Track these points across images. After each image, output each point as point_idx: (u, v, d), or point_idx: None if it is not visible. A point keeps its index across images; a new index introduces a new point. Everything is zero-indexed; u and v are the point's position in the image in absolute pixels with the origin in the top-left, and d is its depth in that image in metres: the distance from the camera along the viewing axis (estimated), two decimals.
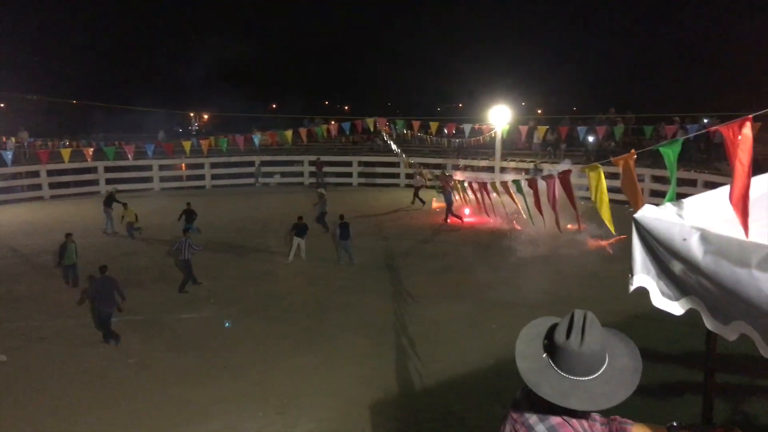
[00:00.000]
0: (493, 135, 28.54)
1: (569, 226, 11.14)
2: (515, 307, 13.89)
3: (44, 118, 40.12)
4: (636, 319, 11.53)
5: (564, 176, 8.39)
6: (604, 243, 18.00)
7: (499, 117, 27.99)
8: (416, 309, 13.87)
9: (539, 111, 56.52)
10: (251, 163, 32.39)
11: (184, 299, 14.54)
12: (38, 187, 28.21)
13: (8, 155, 25.60)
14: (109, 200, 21.69)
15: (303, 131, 29.87)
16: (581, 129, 27.03)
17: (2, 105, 44.31)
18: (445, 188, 23.26)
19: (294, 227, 17.96)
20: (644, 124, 26.39)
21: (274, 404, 9.74)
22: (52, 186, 28.51)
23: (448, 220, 22.71)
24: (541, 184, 9.45)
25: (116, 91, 45.00)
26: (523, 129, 28.60)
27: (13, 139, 28.53)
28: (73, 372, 10.85)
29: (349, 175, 32.53)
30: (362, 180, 32.31)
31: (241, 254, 18.38)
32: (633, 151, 5.41)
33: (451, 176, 26.16)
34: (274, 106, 67.05)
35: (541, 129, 28.77)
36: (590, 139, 28.18)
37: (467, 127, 29.26)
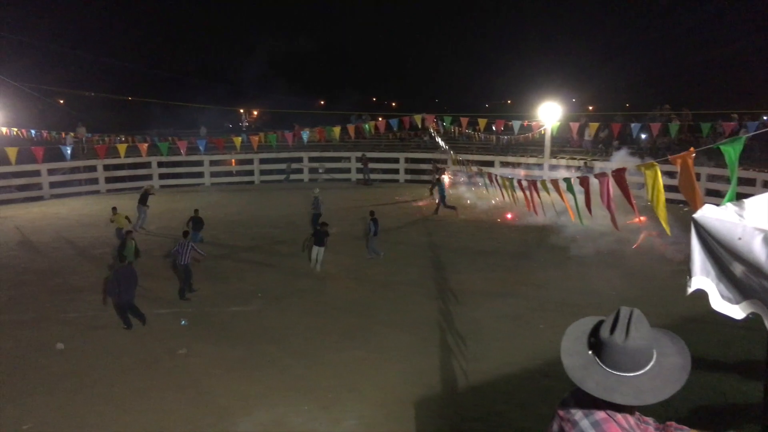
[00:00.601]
0: (542, 132, 28.11)
1: (629, 221, 10.84)
2: (563, 307, 13.66)
3: (102, 114, 41.40)
4: (689, 321, 11.20)
5: (619, 174, 8.18)
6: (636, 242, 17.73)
7: (549, 113, 27.56)
8: (461, 306, 13.77)
9: (590, 107, 55.46)
10: (299, 159, 32.72)
11: (232, 293, 14.74)
12: (95, 181, 29.12)
13: (67, 150, 26.47)
14: (144, 197, 21.40)
15: (351, 128, 30.00)
16: (635, 126, 26.33)
17: (61, 101, 45.91)
18: (440, 180, 24.21)
19: (314, 234, 16.97)
20: (701, 121, 25.51)
21: (320, 398, 9.80)
22: (108, 180, 29.40)
23: (439, 212, 23.29)
24: (594, 182, 9.24)
25: (171, 88, 46.11)
26: (574, 126, 28.06)
27: (72, 135, 29.49)
28: (126, 361, 11.16)
29: (396, 171, 32.52)
30: (409, 177, 32.26)
31: (289, 249, 18.55)
32: (692, 149, 5.23)
33: (444, 169, 26.27)
34: (322, 102, 67.67)
35: (593, 126, 28.17)
36: (643, 136, 27.45)
37: (516, 124, 28.89)
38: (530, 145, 30.65)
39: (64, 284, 15.52)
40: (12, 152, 24.28)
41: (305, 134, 30.06)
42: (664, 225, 6.38)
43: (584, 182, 9.72)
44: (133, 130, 36.52)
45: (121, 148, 28.01)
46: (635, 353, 2.25)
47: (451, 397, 9.88)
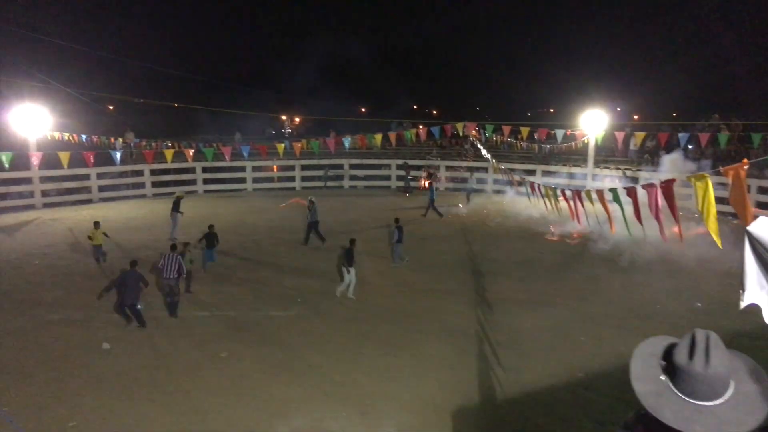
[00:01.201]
0: (586, 141, 27.70)
1: (674, 229, 10.54)
2: (606, 320, 13.42)
3: (149, 120, 42.45)
4: (740, 336, 10.85)
5: (667, 185, 8.02)
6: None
7: (593, 122, 27.15)
8: (501, 316, 13.63)
9: (635, 117, 54.42)
10: (339, 166, 32.94)
11: (272, 298, 14.87)
12: (142, 185, 29.83)
13: (116, 155, 27.20)
14: (177, 204, 20.76)
15: (392, 135, 30.07)
16: (682, 136, 25.68)
17: (111, 107, 47.25)
18: (431, 184, 24.95)
19: (345, 253, 15.21)
20: (752, 131, 24.76)
21: (357, 405, 9.82)
22: (154, 185, 30.09)
23: (426, 215, 24.29)
24: (641, 193, 9.09)
25: (217, 94, 46.99)
26: (619, 135, 27.55)
27: (121, 140, 30.31)
28: (169, 363, 11.37)
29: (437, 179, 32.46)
30: (449, 185, 32.15)
31: (328, 255, 18.66)
32: (745, 160, 5.09)
33: (435, 173, 26.33)
34: (363, 109, 68.05)
35: (639, 135, 27.62)
36: (690, 147, 26.78)
37: (559, 133, 28.53)
38: (573, 154, 30.23)
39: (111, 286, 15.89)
40: (64, 157, 25.06)
41: (347, 141, 30.24)
42: (715, 237, 6.21)
43: (631, 193, 9.56)
44: (179, 135, 37.35)
45: (168, 153, 28.65)
46: (715, 381, 2.12)
47: (489, 408, 9.79)
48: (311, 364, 11.25)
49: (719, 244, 6.41)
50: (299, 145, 29.74)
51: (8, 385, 10.38)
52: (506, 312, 13.90)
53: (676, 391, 2.18)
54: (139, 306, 12.91)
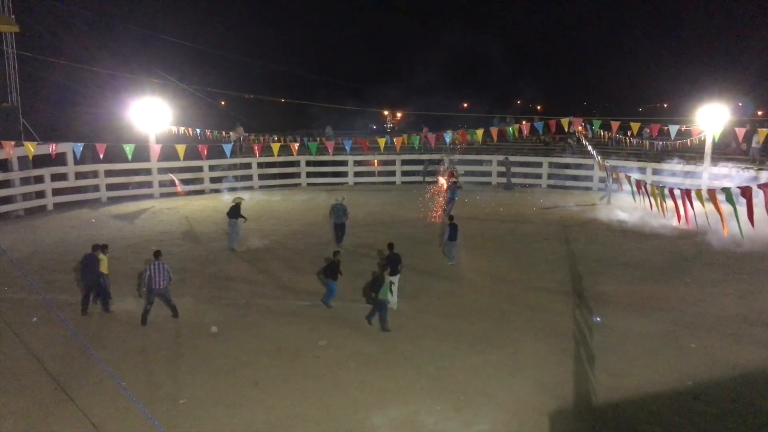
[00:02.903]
0: (703, 138, 26.08)
1: None
2: (719, 326, 12.66)
3: (259, 115, 44.21)
4: None
5: None
6: None
7: (711, 118, 25.52)
8: (604, 318, 13.14)
9: (759, 113, 50.64)
10: (438, 161, 32.85)
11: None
12: (249, 177, 31.11)
13: (228, 148, 28.51)
14: (235, 212, 18.96)
15: (494, 131, 29.59)
16: None
17: (223, 103, 49.54)
18: (448, 185, 23.25)
19: (386, 261, 14.10)
20: None
21: (452, 400, 9.80)
22: (260, 177, 31.29)
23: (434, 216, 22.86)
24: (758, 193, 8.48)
25: (326, 91, 48.20)
26: (740, 131, 25.72)
27: (231, 134, 31.73)
28: (271, 348, 11.83)
29: (539, 176, 31.66)
30: (551, 182, 31.27)
31: (427, 250, 18.69)
32: None
33: (454, 172, 24.64)
34: (465, 105, 67.54)
35: (762, 132, 25.70)
36: None
37: (673, 129, 26.99)
38: (687, 151, 28.55)
39: (220, 272, 16.73)
40: (181, 149, 26.58)
41: (448, 136, 30.09)
42: None
43: (746, 192, 8.94)
44: (285, 130, 38.66)
45: (275, 147, 29.75)
46: None
47: (588, 412, 9.49)
48: (407, 357, 11.34)
49: None
50: (400, 140, 29.91)
51: (124, 362, 11.18)
52: (610, 314, 13.39)
53: None
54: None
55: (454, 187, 23.12)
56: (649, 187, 15.06)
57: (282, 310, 13.84)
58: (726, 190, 11.03)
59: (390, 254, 14.18)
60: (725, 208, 11.47)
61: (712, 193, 11.37)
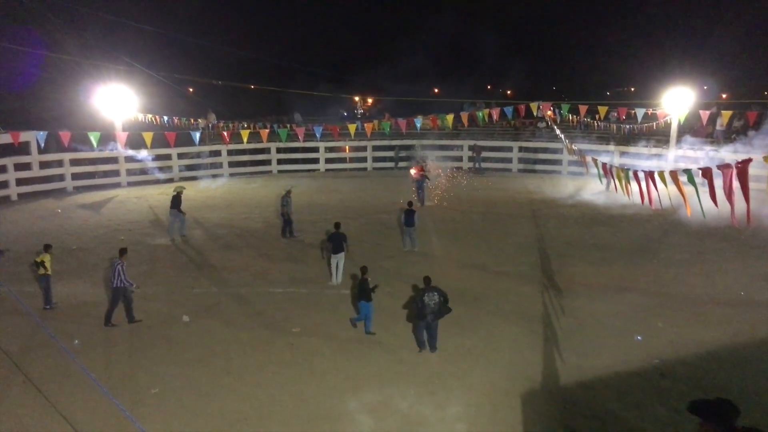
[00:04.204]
0: (669, 121, 26.49)
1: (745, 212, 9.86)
2: (685, 306, 12.96)
3: (230, 102, 43.52)
4: None
5: (743, 166, 7.61)
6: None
7: (676, 101, 25.92)
8: (574, 301, 13.34)
9: (724, 96, 51.51)
10: (410, 147, 32.83)
11: (343, 275, 15.01)
12: (219, 165, 30.74)
13: (196, 135, 28.08)
14: (176, 201, 18.57)
15: (464, 115, 29.63)
16: None
17: (191, 89, 48.71)
18: (422, 176, 22.63)
19: (329, 239, 14.67)
20: None
21: (426, 384, 9.88)
22: (231, 165, 30.94)
23: (424, 204, 22.30)
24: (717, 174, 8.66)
25: (300, 78, 47.57)
26: (704, 114, 26.17)
27: (201, 121, 31.27)
28: (244, 337, 11.76)
29: (509, 161, 31.85)
30: (522, 166, 31.50)
31: (399, 236, 18.74)
32: None
33: (425, 164, 24.59)
34: (436, 90, 67.47)
35: (726, 114, 26.16)
36: None
37: (640, 112, 27.32)
38: (654, 135, 28.96)
39: (191, 262, 16.56)
40: (148, 137, 26.11)
41: (418, 122, 30.06)
42: None
43: (707, 173, 9.12)
44: (255, 117, 38.21)
45: (244, 134, 29.38)
46: None
47: (559, 392, 9.65)
48: (381, 342, 11.39)
49: None
50: (370, 125, 29.81)
51: (94, 353, 11.03)
52: (580, 296, 13.60)
53: None
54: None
55: (422, 178, 22.79)
56: (614, 170, 15.24)
57: (254, 299, 13.76)
58: (687, 172, 11.21)
59: (333, 233, 14.49)
60: (688, 189, 11.66)
61: (674, 174, 11.54)
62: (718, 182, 8.88)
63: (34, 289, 14.08)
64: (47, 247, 13.45)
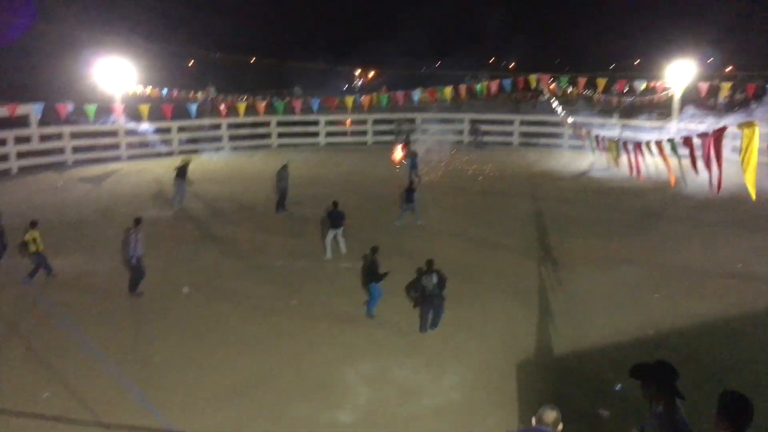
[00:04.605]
0: (670, 95, 26.32)
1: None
2: (682, 278, 13.05)
3: (231, 75, 43.28)
4: None
5: (718, 134, 7.64)
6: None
7: (679, 74, 25.73)
8: (572, 274, 13.41)
9: (728, 68, 51.08)
10: (411, 120, 32.67)
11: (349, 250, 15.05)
12: (219, 138, 30.60)
13: (192, 108, 27.85)
14: (182, 171, 18.98)
15: (462, 88, 29.38)
16: None
17: (191, 63, 48.50)
18: (410, 154, 21.40)
19: (328, 217, 15.00)
20: None
21: (422, 355, 10.00)
22: (231, 138, 30.77)
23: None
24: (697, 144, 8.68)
25: (302, 52, 47.11)
26: (703, 86, 25.93)
27: (200, 94, 31.12)
28: (243, 309, 11.87)
29: (510, 134, 31.71)
30: (522, 140, 31.36)
31: (398, 210, 18.75)
32: None
33: (409, 142, 24.04)
34: (438, 63, 66.95)
35: (725, 86, 25.95)
36: None
37: (639, 84, 27.08)
38: (657, 108, 28.82)
39: (190, 235, 16.63)
40: (144, 109, 26.00)
41: (416, 95, 29.80)
42: (751, 189, 5.98)
43: (688, 143, 9.15)
44: (257, 91, 37.99)
45: (241, 107, 29.13)
46: None
47: (555, 363, 9.77)
48: (378, 315, 11.48)
49: (753, 197, 6.20)
50: (367, 98, 29.59)
51: (96, 325, 11.14)
52: (577, 270, 13.67)
53: None
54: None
55: (411, 157, 21.78)
56: (606, 142, 15.18)
57: (253, 271, 13.86)
58: (671, 141, 11.20)
59: (332, 211, 14.69)
60: (674, 160, 11.65)
61: (659, 145, 11.52)
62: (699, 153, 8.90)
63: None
64: (34, 224, 13.03)
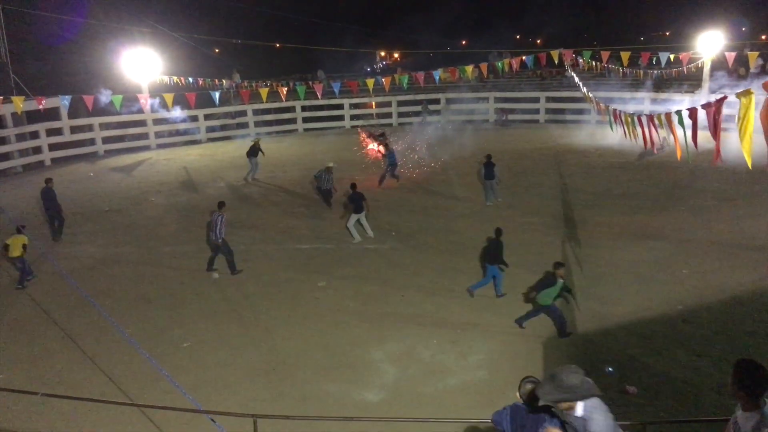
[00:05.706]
0: (699, 65, 25.70)
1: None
2: (711, 252, 12.90)
3: (257, 61, 43.35)
4: None
5: (717, 103, 7.50)
6: None
7: (709, 44, 25.10)
8: (598, 250, 13.34)
9: (763, 36, 49.56)
10: (437, 101, 32.49)
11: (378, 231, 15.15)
12: (245, 125, 30.86)
13: (215, 95, 28.00)
14: (254, 150, 20.93)
15: (483, 66, 28.93)
16: None
17: (217, 50, 48.66)
18: (388, 148, 20.51)
19: (349, 200, 14.82)
20: None
21: (448, 333, 10.09)
22: (257, 124, 31.02)
23: (382, 184, 19.52)
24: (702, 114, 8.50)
25: (323, 34, 46.89)
26: (730, 56, 25.12)
27: (225, 81, 31.29)
28: (272, 291, 12.10)
29: (536, 111, 31.35)
30: (549, 117, 31.00)
31: (425, 191, 18.80)
32: None
33: (385, 134, 23.46)
34: (463, 42, 66.26)
35: (752, 55, 25.11)
36: None
37: (663, 57, 26.34)
38: (686, 79, 28.13)
39: None
40: (169, 98, 26.32)
41: (437, 74, 29.45)
42: (747, 158, 5.95)
43: (693, 114, 8.97)
44: (281, 76, 38.12)
45: (263, 92, 29.21)
46: None
47: (582, 339, 9.77)
48: (404, 294, 11.60)
49: (749, 165, 6.17)
50: (387, 79, 29.39)
51: (129, 310, 11.47)
52: (603, 245, 13.59)
53: None
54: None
55: (389, 153, 20.52)
56: (623, 116, 14.89)
57: (281, 255, 14.07)
58: (678, 113, 10.96)
59: (351, 194, 14.65)
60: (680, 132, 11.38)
61: (668, 116, 11.28)
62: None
63: (71, 249, 14.59)
64: (21, 229, 12.57)
